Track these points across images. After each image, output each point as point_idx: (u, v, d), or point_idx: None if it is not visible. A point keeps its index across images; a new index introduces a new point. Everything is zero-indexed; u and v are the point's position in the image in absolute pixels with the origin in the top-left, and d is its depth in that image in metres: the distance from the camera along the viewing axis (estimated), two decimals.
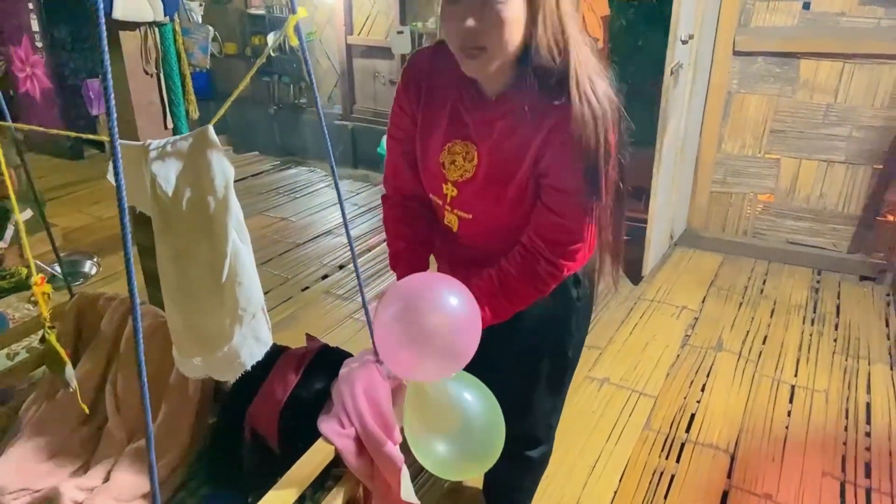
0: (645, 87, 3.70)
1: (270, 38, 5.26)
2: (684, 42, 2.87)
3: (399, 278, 1.27)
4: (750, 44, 3.26)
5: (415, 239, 1.29)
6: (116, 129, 0.73)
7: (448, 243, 1.28)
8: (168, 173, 0.96)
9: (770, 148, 3.39)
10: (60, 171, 5.08)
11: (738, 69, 3.34)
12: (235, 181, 0.99)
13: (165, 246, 0.99)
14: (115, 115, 0.68)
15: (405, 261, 1.28)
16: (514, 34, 0.97)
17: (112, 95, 0.68)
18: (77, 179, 4.85)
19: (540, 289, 1.14)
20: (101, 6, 0.64)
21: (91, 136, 0.98)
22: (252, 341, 1.02)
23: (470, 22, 0.95)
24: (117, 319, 1.40)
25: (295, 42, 0.93)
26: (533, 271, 1.12)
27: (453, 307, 0.96)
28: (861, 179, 3.24)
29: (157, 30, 1.54)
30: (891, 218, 3.22)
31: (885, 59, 3.02)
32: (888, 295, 3.10)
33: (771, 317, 2.93)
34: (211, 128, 0.99)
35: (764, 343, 2.72)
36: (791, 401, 2.34)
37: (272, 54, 5.22)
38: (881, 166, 3.16)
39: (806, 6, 3.12)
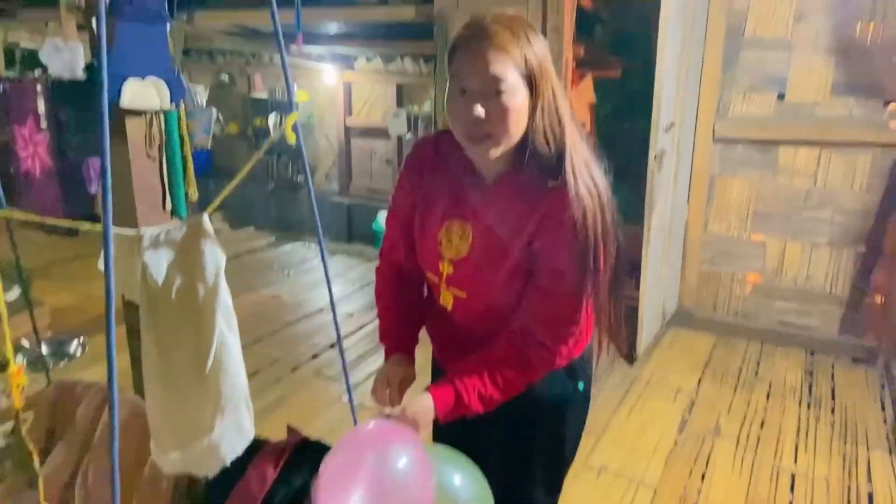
0: (632, 169, 3.82)
1: (271, 119, 5.45)
2: (666, 130, 2.99)
3: (386, 353, 1.28)
4: (729, 131, 3.40)
5: (404, 313, 1.30)
6: (111, 224, 0.74)
7: (443, 324, 1.28)
8: (160, 262, 0.97)
9: (755, 229, 3.46)
10: (54, 247, 5.09)
11: (720, 155, 3.46)
12: (229, 258, 1.00)
13: (151, 334, 0.99)
14: (110, 213, 0.70)
15: (394, 335, 1.29)
16: (519, 122, 1.03)
17: (110, 193, 0.70)
18: (71, 256, 4.86)
19: (529, 375, 1.12)
20: (105, 114, 0.67)
21: (87, 227, 1.00)
22: (233, 433, 1.00)
23: (478, 111, 1.01)
24: (93, 408, 1.37)
25: (293, 139, 0.97)
26: (522, 355, 1.10)
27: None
28: (846, 261, 3.29)
29: (162, 116, 1.59)
30: (878, 299, 3.25)
31: (860, 146, 3.14)
32: (882, 377, 3.08)
33: (767, 400, 2.89)
34: (206, 216, 1.01)
35: (762, 428, 2.67)
36: (792, 490, 2.28)
37: (272, 134, 5.38)
38: (864, 249, 3.22)
39: (780, 97, 3.27)
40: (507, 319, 1.14)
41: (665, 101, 2.91)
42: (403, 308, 1.30)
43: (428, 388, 1.09)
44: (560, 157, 1.05)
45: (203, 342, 0.96)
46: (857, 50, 3.07)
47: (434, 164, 1.20)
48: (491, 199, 1.13)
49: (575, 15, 3.68)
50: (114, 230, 0.79)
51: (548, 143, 1.05)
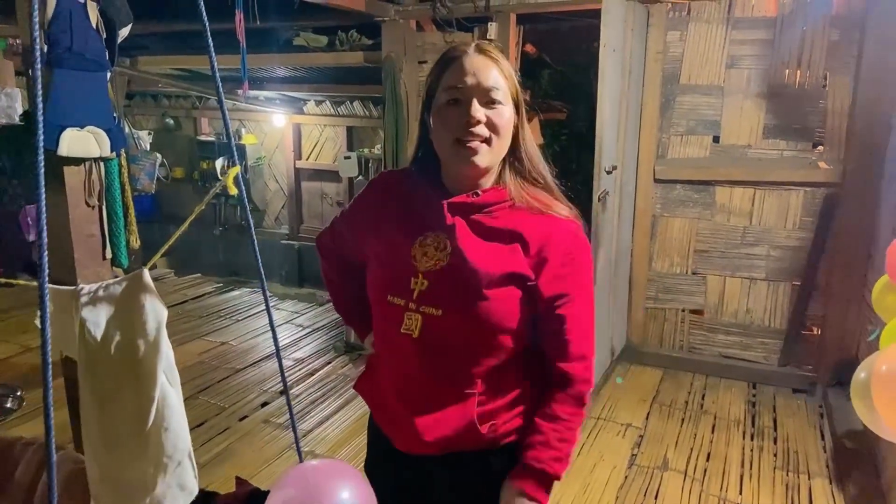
0: (579, 209, 3.93)
1: (219, 163, 5.39)
2: (609, 172, 3.10)
3: (362, 334, 1.34)
4: (668, 173, 3.55)
5: (357, 295, 1.29)
6: (47, 281, 0.73)
7: (397, 363, 1.16)
8: (98, 318, 0.95)
9: (696, 266, 3.60)
10: None
11: (661, 195, 3.61)
12: (175, 306, 0.99)
13: (90, 392, 0.96)
14: (45, 271, 0.69)
15: (363, 313, 1.29)
16: (508, 136, 1.09)
17: (45, 251, 0.69)
18: (8, 306, 4.63)
19: (583, 410, 1.16)
20: (41, 170, 0.66)
21: (22, 282, 0.97)
22: (176, 490, 0.97)
23: (478, 112, 1.04)
24: (33, 467, 1.30)
25: (234, 192, 0.97)
26: (577, 398, 1.14)
27: None
28: (782, 295, 3.44)
29: (102, 163, 1.56)
30: (815, 331, 3.40)
31: (792, 185, 3.32)
32: (821, 407, 3.20)
33: (712, 432, 2.96)
34: (146, 271, 1.00)
35: (708, 460, 2.73)
36: None
37: (220, 178, 5.32)
38: (799, 282, 3.38)
39: (716, 139, 3.45)
40: (487, 332, 1.08)
41: (606, 145, 3.03)
42: (356, 291, 1.29)
43: (513, 484, 1.11)
44: (542, 182, 1.14)
45: (144, 399, 0.94)
46: (785, 95, 3.27)
47: (401, 190, 1.19)
48: (474, 213, 1.11)
49: (520, 60, 3.83)
50: (50, 287, 0.78)
51: (528, 166, 1.12)
